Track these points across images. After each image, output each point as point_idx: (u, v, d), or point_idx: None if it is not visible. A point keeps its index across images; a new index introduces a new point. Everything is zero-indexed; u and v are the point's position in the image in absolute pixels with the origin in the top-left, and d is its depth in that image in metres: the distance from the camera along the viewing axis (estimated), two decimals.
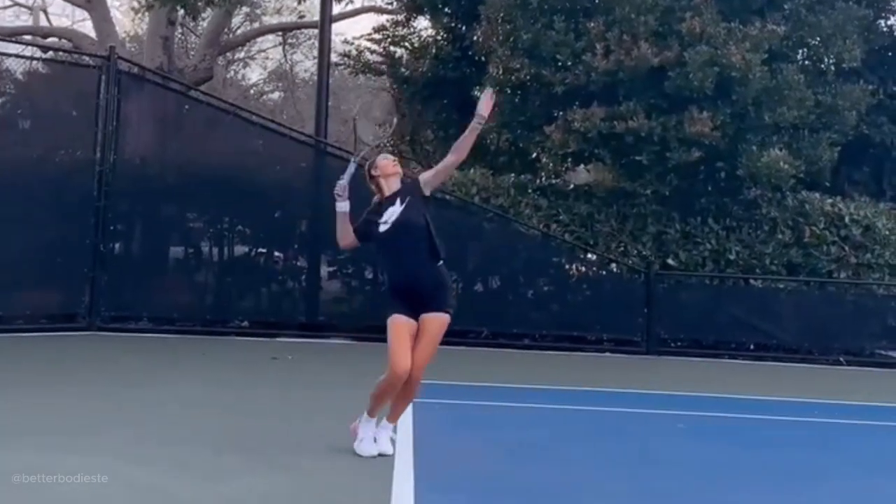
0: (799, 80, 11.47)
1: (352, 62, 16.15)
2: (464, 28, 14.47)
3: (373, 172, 5.39)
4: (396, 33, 15.85)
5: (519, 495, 4.73)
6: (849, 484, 5.42)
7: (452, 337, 9.85)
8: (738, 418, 7.57)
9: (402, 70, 15.20)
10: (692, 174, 11.86)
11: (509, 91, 12.38)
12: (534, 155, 13.63)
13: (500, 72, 12.31)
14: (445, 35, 15.00)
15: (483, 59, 13.03)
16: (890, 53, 14.07)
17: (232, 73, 27.66)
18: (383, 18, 17.36)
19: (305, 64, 26.12)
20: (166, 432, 5.62)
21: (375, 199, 5.40)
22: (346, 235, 5.37)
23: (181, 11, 14.31)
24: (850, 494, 5.19)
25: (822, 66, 12.65)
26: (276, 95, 29.29)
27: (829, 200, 12.51)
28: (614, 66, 11.19)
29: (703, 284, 12.42)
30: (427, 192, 5.32)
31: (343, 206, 5.34)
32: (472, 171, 12.55)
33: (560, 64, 11.80)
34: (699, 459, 5.88)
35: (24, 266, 10.32)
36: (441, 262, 5.22)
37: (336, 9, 16.05)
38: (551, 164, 13.42)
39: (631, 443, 6.31)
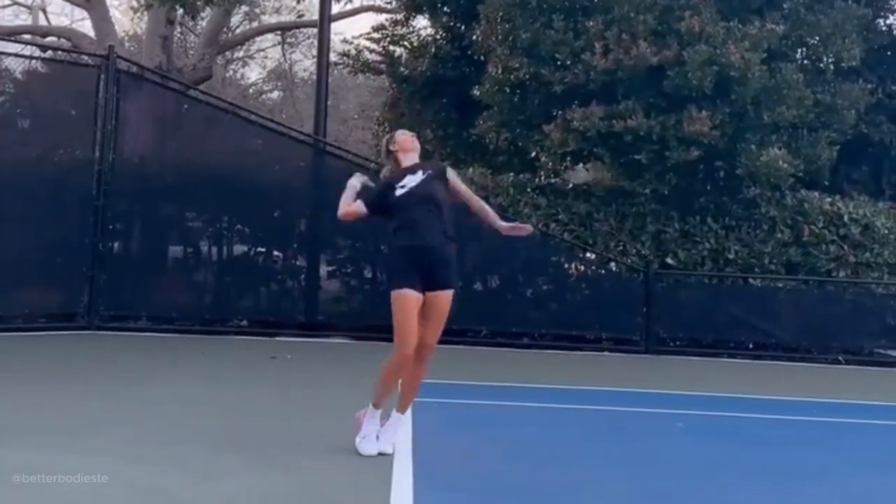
0: (798, 79, 11.47)
1: (351, 61, 16.14)
2: (463, 27, 14.47)
3: (391, 147, 5.42)
4: (395, 32, 15.86)
5: (518, 494, 4.74)
6: (848, 482, 5.42)
7: (451, 336, 9.87)
8: (737, 417, 7.57)
9: (402, 69, 15.20)
10: (691, 173, 11.86)
11: (508, 90, 12.39)
12: (533, 154, 13.63)
13: (500, 71, 12.31)
14: (444, 34, 15.00)
15: (482, 58, 13.02)
16: (889, 52, 14.07)
17: (231, 72, 27.69)
18: (382, 17, 17.39)
19: (304, 63, 26.17)
20: (166, 432, 5.62)
21: (384, 173, 5.41)
22: (349, 205, 5.33)
23: (180, 11, 14.31)
24: (850, 493, 5.20)
25: (821, 65, 12.66)
26: (275, 95, 29.33)
27: (828, 199, 12.51)
28: (613, 65, 11.18)
29: (702, 283, 12.42)
30: (449, 182, 5.36)
31: (358, 179, 5.39)
32: (470, 170, 12.56)
33: (559, 63, 11.80)
34: (698, 458, 5.89)
35: (22, 265, 10.31)
36: (452, 241, 5.24)
37: (335, 8, 16.06)
38: (550, 163, 13.41)
39: (630, 442, 6.31)
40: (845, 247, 12.27)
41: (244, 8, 19.64)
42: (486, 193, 12.12)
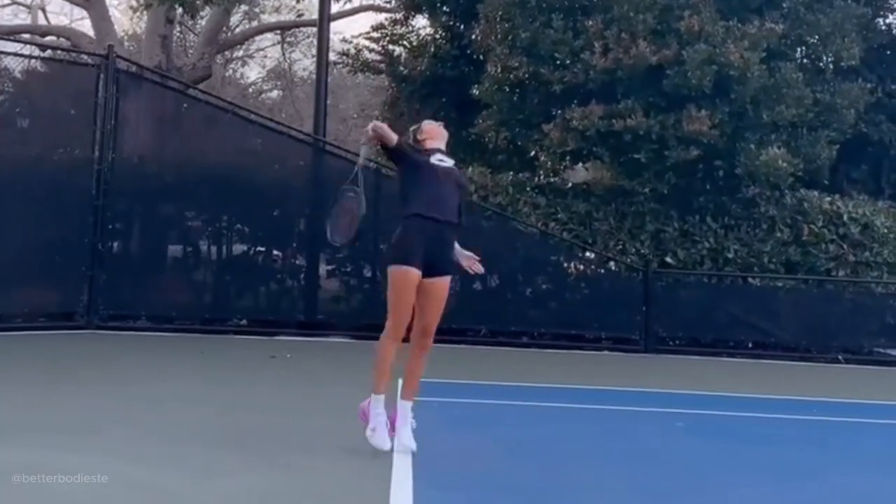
0: (797, 78, 11.48)
1: (350, 61, 16.15)
2: (462, 27, 14.47)
3: (419, 136, 5.48)
4: (395, 32, 15.86)
5: (517, 493, 4.74)
6: (847, 481, 5.43)
7: (451, 335, 9.86)
8: (737, 416, 7.58)
9: (401, 68, 15.20)
10: (690, 172, 11.86)
11: (507, 89, 12.39)
12: (532, 153, 13.63)
13: (499, 70, 12.31)
14: (444, 34, 15.00)
15: (481, 57, 13.02)
16: (888, 52, 14.08)
17: (230, 71, 27.67)
18: (382, 17, 17.37)
19: (304, 62, 26.14)
20: (166, 431, 5.62)
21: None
22: (384, 128, 5.21)
23: (179, 10, 14.31)
24: (849, 492, 5.20)
25: (821, 64, 12.67)
26: (274, 94, 29.30)
27: (828, 199, 12.52)
28: (613, 64, 11.19)
29: (701, 283, 12.43)
30: (462, 188, 5.48)
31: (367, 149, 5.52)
32: (470, 169, 12.57)
33: (558, 62, 11.80)
34: (698, 457, 5.89)
35: (22, 264, 10.30)
36: (460, 228, 5.33)
37: (334, 7, 16.07)
38: (549, 163, 13.42)
39: (629, 441, 6.30)
40: (845, 246, 12.28)
41: (244, 7, 19.62)
42: (485, 192, 12.16)
